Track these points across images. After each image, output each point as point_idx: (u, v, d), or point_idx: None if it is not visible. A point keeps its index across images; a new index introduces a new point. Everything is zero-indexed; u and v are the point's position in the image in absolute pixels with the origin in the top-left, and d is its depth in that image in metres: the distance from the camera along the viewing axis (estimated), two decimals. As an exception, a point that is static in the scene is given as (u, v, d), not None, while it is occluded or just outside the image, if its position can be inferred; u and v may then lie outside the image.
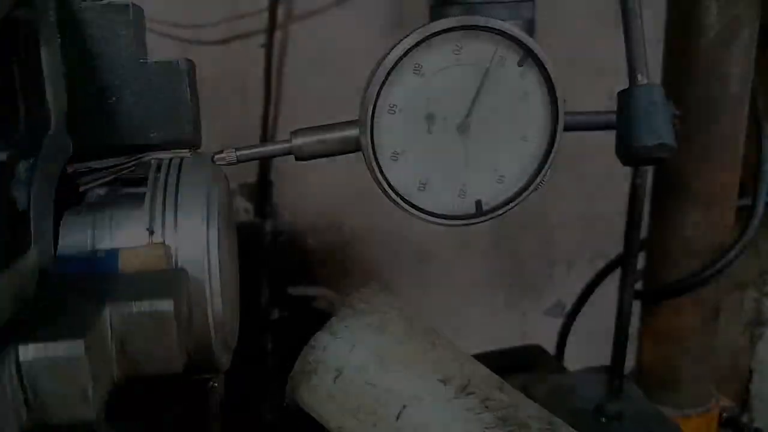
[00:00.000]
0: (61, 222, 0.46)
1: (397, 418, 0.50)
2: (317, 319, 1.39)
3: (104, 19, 0.48)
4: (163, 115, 0.50)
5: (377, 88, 0.54)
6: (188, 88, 0.51)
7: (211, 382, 0.51)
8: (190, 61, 0.51)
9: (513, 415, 0.51)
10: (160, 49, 0.54)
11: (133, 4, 0.48)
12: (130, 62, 0.49)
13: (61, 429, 0.35)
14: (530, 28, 0.59)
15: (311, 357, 0.51)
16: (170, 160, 0.51)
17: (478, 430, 0.49)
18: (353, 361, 0.51)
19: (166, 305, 0.40)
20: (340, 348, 0.51)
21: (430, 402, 0.50)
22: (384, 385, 0.50)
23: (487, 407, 0.51)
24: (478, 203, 0.57)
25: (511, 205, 0.58)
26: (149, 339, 0.39)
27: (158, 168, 0.50)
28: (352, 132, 0.56)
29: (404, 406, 0.50)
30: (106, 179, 0.50)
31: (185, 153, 0.52)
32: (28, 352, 0.34)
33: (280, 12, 1.19)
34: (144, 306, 0.39)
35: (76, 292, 0.40)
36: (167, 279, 0.43)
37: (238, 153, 0.55)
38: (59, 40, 0.46)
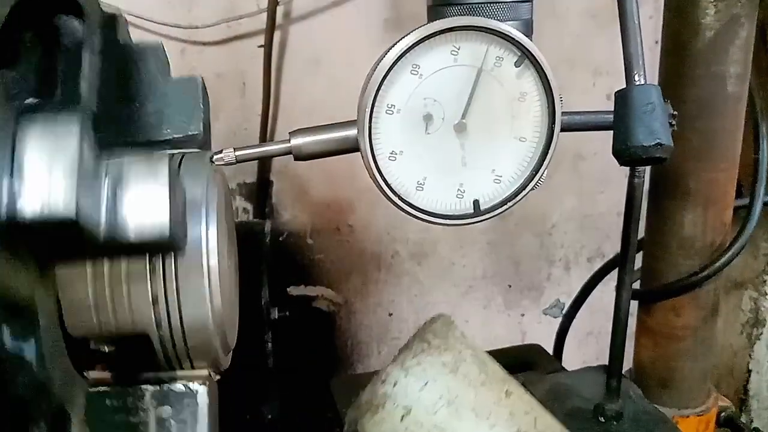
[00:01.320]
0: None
1: None
2: (316, 318, 1.39)
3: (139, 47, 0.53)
4: (178, 120, 0.53)
5: (375, 88, 0.54)
6: (201, 99, 0.55)
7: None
8: (201, 78, 0.56)
9: None
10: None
11: (161, 44, 0.54)
12: (155, 79, 0.53)
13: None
14: (528, 28, 0.59)
15: (380, 390, 0.49)
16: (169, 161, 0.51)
17: None
18: (423, 400, 0.48)
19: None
20: (411, 385, 0.49)
21: None
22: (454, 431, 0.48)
23: None
24: (476, 203, 0.58)
25: (509, 204, 0.58)
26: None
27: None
28: (351, 132, 0.57)
29: None
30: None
31: (195, 150, 0.53)
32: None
33: (279, 12, 1.19)
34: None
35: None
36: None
37: (237, 153, 0.55)
38: (100, 54, 0.49)
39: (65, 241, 0.37)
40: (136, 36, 0.54)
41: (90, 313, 0.47)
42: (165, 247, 0.43)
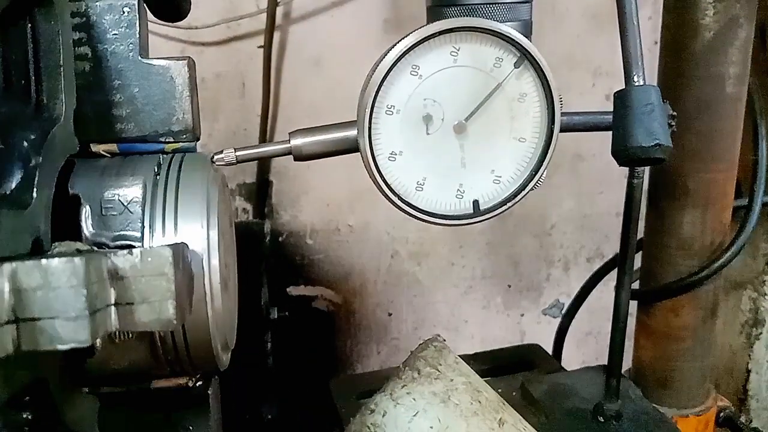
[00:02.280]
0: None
1: None
2: (316, 318, 1.39)
3: (111, 18, 0.50)
4: (164, 110, 0.52)
5: (375, 89, 0.54)
6: (188, 85, 0.52)
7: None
8: (188, 59, 0.53)
9: None
10: (159, 50, 0.55)
11: (139, 4, 0.51)
12: (134, 62, 0.51)
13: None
14: (527, 29, 0.59)
15: (369, 420, 0.48)
16: (170, 161, 0.51)
17: None
18: (414, 431, 0.48)
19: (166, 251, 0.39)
20: (401, 416, 0.48)
21: None
22: None
23: None
24: (476, 203, 0.58)
25: (508, 205, 0.58)
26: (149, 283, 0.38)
27: (157, 169, 0.50)
28: (351, 132, 0.57)
29: None
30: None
31: (187, 143, 0.53)
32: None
33: (279, 13, 1.19)
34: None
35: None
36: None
37: (237, 153, 0.55)
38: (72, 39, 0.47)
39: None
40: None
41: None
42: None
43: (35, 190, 0.40)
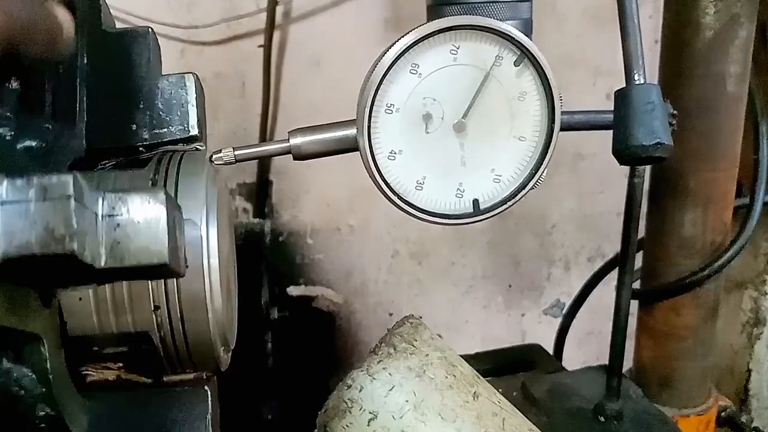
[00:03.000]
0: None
1: None
2: (316, 318, 1.39)
3: (128, 41, 0.53)
4: (173, 119, 0.53)
5: (375, 87, 0.54)
6: (195, 97, 0.54)
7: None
8: (196, 75, 0.55)
9: None
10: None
11: (151, 29, 0.53)
12: (147, 78, 0.53)
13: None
14: (527, 27, 0.59)
15: (347, 395, 0.49)
16: (169, 160, 0.51)
17: None
18: (389, 405, 0.48)
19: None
20: (377, 390, 0.49)
21: None
22: None
23: None
24: (476, 202, 0.58)
25: (509, 204, 0.58)
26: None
27: (156, 168, 0.50)
28: (350, 131, 0.56)
29: None
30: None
31: (191, 148, 0.54)
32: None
33: (279, 12, 1.19)
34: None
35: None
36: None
37: (236, 153, 0.55)
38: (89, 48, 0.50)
39: (65, 269, 0.37)
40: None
41: (91, 315, 0.47)
42: (165, 273, 0.43)
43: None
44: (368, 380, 0.49)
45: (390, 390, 0.49)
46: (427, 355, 0.51)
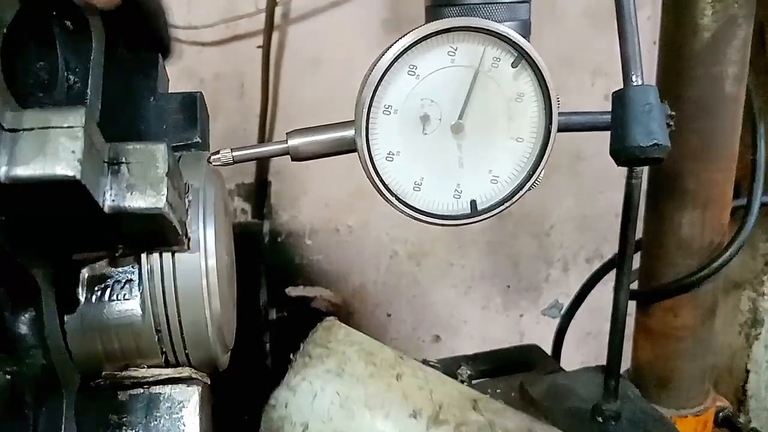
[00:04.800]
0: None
1: None
2: (315, 319, 1.39)
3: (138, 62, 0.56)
4: (178, 130, 0.55)
5: (373, 89, 0.54)
6: (199, 110, 0.56)
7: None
8: (200, 93, 0.57)
9: None
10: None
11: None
12: (155, 95, 0.55)
13: None
14: (525, 29, 0.59)
15: (275, 415, 0.50)
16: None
17: None
18: (317, 411, 0.49)
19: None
20: (301, 402, 0.50)
21: None
22: (353, 431, 0.49)
23: None
24: (473, 203, 0.58)
25: (506, 205, 0.58)
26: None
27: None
28: (348, 133, 0.57)
29: None
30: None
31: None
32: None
33: (278, 13, 1.19)
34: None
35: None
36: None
37: (234, 153, 0.55)
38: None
39: (70, 206, 0.38)
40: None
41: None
42: (168, 238, 0.44)
43: None
44: (291, 395, 0.50)
45: (314, 398, 0.50)
46: (343, 353, 0.52)
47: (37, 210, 0.39)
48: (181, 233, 0.45)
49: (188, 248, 0.47)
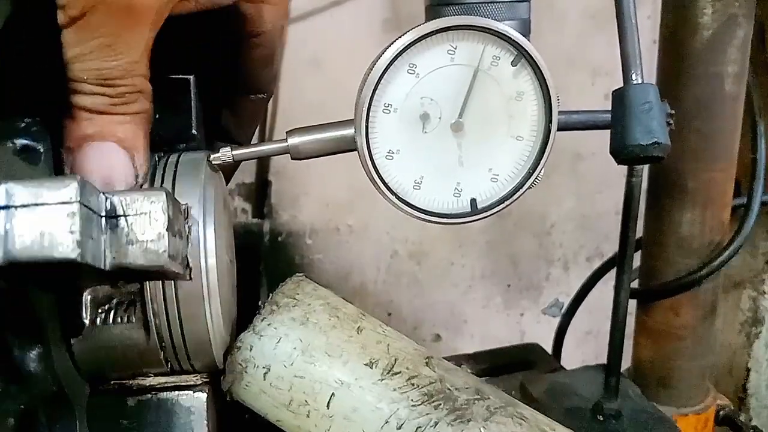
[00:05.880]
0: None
1: (328, 405, 0.52)
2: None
3: None
4: (173, 120, 0.54)
5: (372, 87, 0.54)
6: (194, 99, 0.55)
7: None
8: (193, 77, 0.56)
9: (439, 389, 0.53)
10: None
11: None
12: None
13: None
14: (525, 28, 0.59)
15: (239, 358, 0.52)
16: (166, 160, 0.51)
17: (404, 407, 0.51)
18: (279, 356, 0.52)
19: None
20: (266, 345, 0.52)
21: (358, 386, 0.52)
22: (311, 376, 0.52)
23: (413, 384, 0.52)
24: (473, 202, 0.58)
25: (506, 203, 0.58)
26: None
27: (154, 168, 0.50)
28: (348, 131, 0.57)
29: (333, 394, 0.52)
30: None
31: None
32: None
33: (278, 13, 1.19)
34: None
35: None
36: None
37: (234, 153, 0.55)
38: None
39: (70, 274, 0.39)
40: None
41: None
42: (168, 276, 0.45)
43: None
44: (256, 338, 0.52)
45: (278, 342, 0.52)
46: (309, 304, 0.55)
47: (35, 281, 0.40)
48: (182, 272, 0.46)
49: (190, 278, 0.47)
